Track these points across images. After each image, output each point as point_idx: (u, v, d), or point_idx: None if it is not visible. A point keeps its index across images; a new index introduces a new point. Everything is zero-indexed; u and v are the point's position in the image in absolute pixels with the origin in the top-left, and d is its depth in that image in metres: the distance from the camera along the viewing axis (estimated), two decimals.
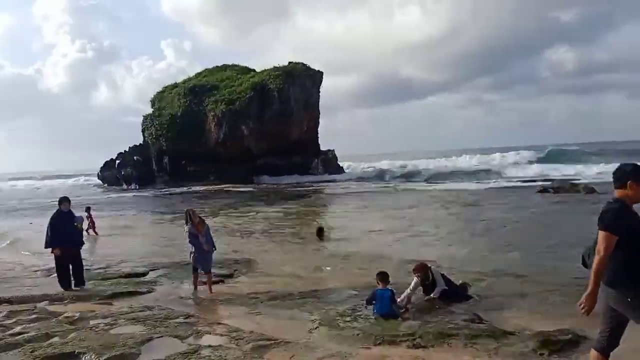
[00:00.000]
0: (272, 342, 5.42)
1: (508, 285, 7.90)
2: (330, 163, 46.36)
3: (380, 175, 43.14)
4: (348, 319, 6.47)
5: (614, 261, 3.57)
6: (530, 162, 42.51)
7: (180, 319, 6.38)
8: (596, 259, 3.54)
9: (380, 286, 6.68)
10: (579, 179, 24.76)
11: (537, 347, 5.22)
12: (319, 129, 47.63)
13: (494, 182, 30.07)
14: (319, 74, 47.07)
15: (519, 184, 27.36)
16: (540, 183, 25.05)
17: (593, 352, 3.95)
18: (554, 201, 18.74)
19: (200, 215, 8.66)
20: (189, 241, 8.18)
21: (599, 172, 30.47)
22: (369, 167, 55.71)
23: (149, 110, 50.77)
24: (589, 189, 20.40)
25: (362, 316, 6.55)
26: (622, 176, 3.74)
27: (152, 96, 51.98)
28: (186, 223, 8.30)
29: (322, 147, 47.77)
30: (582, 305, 3.60)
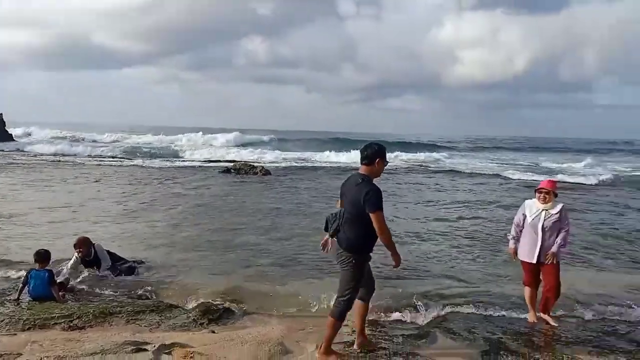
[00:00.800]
0: None
1: (181, 260, 8.04)
2: None
3: (62, 146, 38.61)
4: None
5: (358, 229, 4.11)
6: (227, 146, 44.19)
7: None
8: (385, 236, 4.05)
9: (37, 266, 5.97)
10: (259, 162, 27.12)
11: (198, 317, 5.44)
12: None
13: (182, 160, 30.47)
14: None
15: (206, 164, 28.39)
16: (224, 164, 26.53)
17: (357, 302, 4.40)
18: (234, 181, 20.08)
19: None
20: None
21: (283, 157, 34.05)
22: (47, 137, 49.60)
23: None
24: (266, 171, 22.61)
25: (11, 300, 5.79)
26: (373, 154, 4.21)
27: None
28: None
29: None
30: (397, 266, 4.28)
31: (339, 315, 4.27)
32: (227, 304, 5.87)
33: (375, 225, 4.03)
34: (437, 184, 21.17)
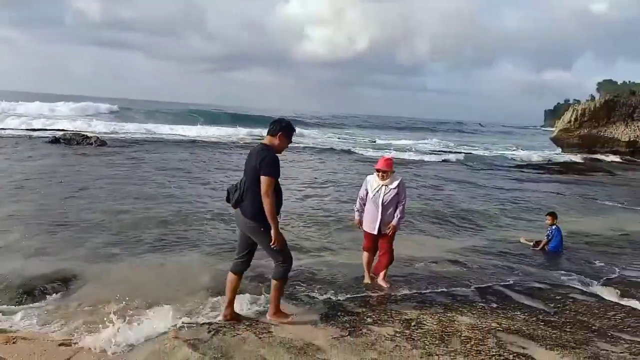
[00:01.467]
0: None
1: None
2: None
3: None
4: None
5: (257, 198, 4.21)
6: (57, 114, 39.41)
7: None
8: (268, 202, 4.16)
9: None
10: (94, 133, 24.97)
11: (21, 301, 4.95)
12: None
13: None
14: None
15: (30, 132, 25.30)
16: (52, 133, 23.89)
17: (231, 275, 4.54)
18: (64, 152, 18.33)
19: None
20: None
21: (121, 128, 31.57)
22: None
23: None
24: (102, 142, 21.07)
25: None
26: (278, 128, 4.43)
27: None
28: None
29: None
30: (275, 243, 4.24)
31: (282, 276, 4.49)
32: (55, 286, 5.38)
33: (262, 187, 4.18)
34: (289, 160, 21.55)
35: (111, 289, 5.43)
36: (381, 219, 5.76)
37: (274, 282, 4.53)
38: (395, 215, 5.77)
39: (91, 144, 20.56)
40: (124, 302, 4.93)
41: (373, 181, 5.86)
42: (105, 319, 4.35)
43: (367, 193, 5.88)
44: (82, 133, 22.89)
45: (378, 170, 5.78)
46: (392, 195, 5.73)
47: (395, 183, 5.77)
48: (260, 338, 4.22)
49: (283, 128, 4.47)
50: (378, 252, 6.00)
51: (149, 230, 8.22)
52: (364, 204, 5.94)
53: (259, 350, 4.00)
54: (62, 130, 26.03)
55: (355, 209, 6.06)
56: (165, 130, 32.68)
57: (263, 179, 4.20)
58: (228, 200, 4.49)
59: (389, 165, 5.79)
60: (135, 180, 13.12)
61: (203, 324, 4.49)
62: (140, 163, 16.82)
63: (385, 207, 5.73)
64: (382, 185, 5.76)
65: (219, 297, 5.18)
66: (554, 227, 8.65)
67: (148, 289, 5.43)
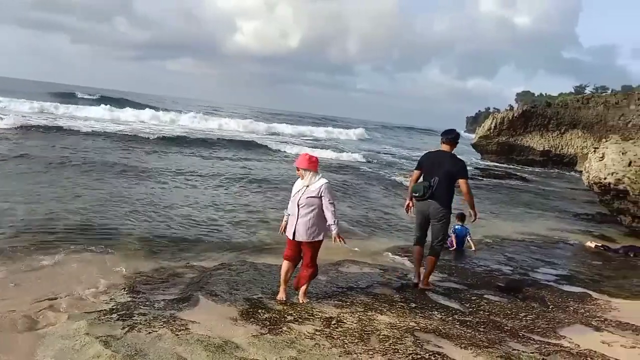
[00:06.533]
0: None
1: None
2: None
3: None
4: None
5: (451, 191, 5.95)
6: None
7: None
8: (472, 197, 6.06)
9: None
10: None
11: None
12: None
13: None
14: None
15: None
16: None
17: (417, 247, 6.23)
18: None
19: None
20: None
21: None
22: None
23: None
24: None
25: None
26: (456, 137, 6.16)
27: None
28: None
29: None
30: (475, 218, 6.19)
31: (438, 255, 6.19)
32: None
33: (463, 188, 5.89)
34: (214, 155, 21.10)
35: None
36: (297, 223, 5.09)
37: (431, 258, 6.09)
38: (330, 225, 5.05)
39: None
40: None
41: (298, 182, 5.26)
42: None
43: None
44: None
45: (297, 169, 5.18)
46: (308, 197, 5.05)
47: (316, 185, 5.09)
48: (176, 335, 4.07)
49: (458, 138, 6.21)
50: (301, 262, 5.29)
51: (64, 220, 7.75)
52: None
53: (174, 348, 3.86)
54: None
55: (286, 213, 5.35)
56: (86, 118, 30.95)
57: (464, 182, 5.86)
58: (423, 195, 5.90)
59: (304, 162, 5.13)
60: (45, 167, 12.39)
61: (117, 320, 4.28)
62: (53, 155, 15.87)
63: (301, 209, 5.06)
64: (304, 186, 5.14)
65: (136, 294, 4.98)
66: (456, 226, 9.06)
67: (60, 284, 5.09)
